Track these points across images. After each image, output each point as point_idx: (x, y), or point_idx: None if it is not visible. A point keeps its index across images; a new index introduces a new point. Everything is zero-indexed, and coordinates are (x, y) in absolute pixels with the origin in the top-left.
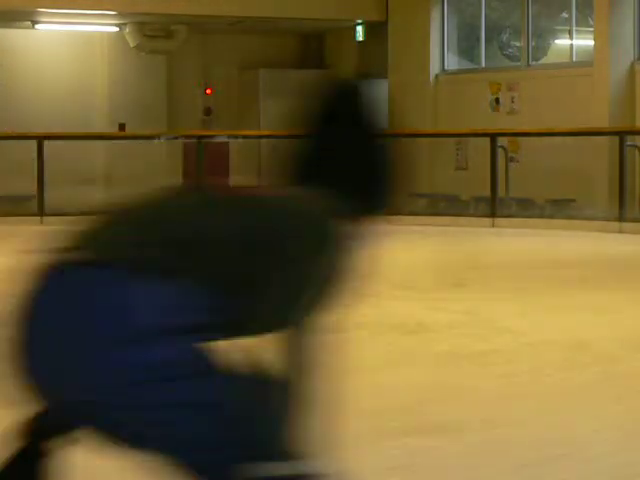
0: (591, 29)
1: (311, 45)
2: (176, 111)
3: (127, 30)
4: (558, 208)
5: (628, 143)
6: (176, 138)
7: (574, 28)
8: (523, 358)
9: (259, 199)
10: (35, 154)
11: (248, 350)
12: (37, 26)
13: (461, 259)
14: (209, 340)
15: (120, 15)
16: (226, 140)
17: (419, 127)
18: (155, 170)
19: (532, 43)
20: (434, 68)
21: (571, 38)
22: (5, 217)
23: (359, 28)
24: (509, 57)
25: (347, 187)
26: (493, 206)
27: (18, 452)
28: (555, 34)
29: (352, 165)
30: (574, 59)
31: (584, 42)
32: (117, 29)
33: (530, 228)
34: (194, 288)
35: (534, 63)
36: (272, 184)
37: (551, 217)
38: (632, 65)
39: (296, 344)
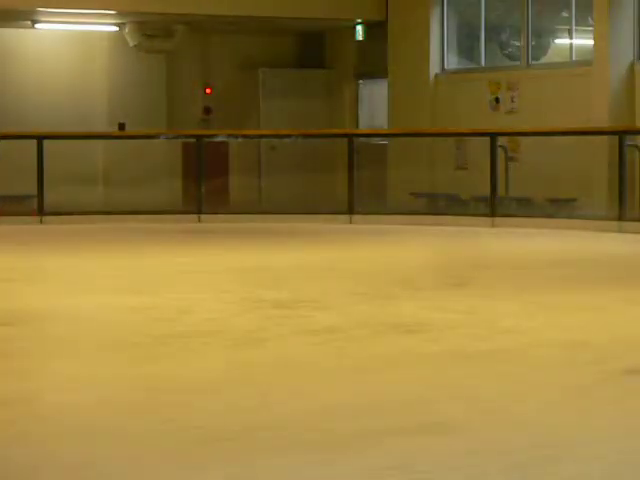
0: (591, 28)
1: (311, 45)
2: (176, 111)
3: (127, 30)
4: (558, 208)
5: (628, 143)
6: (176, 138)
7: (574, 27)
8: (523, 358)
9: None
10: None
11: None
12: (37, 26)
13: (461, 259)
14: None
15: (120, 15)
16: (226, 140)
17: (419, 126)
18: (155, 170)
19: (532, 42)
20: (434, 68)
21: (571, 37)
22: (5, 217)
23: (359, 28)
24: (509, 56)
25: None
26: (493, 206)
27: None
28: (555, 33)
29: None
30: (574, 58)
31: (584, 41)
32: (117, 29)
33: (530, 228)
34: None
35: (534, 62)
36: None
37: (551, 217)
38: (632, 65)
39: None
